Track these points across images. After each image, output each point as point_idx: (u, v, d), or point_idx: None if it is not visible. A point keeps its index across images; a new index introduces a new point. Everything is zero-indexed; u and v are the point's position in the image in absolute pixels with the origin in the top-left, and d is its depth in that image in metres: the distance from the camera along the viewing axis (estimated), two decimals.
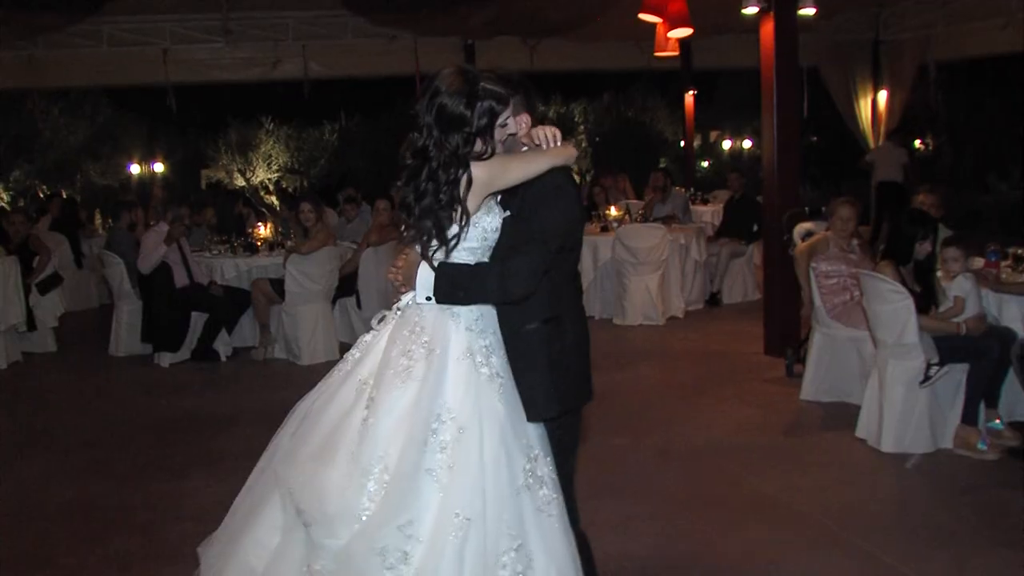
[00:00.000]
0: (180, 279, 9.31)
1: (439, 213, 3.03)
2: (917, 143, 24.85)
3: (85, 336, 10.86)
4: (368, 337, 3.22)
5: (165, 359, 9.30)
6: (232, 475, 5.97)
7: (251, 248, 10.11)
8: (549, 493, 2.97)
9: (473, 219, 3.05)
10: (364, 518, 2.84)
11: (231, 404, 7.88)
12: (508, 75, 3.19)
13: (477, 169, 3.02)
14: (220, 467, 6.21)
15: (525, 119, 3.24)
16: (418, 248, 3.12)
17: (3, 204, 21.83)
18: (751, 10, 8.60)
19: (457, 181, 3.00)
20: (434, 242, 3.07)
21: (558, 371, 3.14)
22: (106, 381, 9.03)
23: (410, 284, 3.14)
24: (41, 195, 23.31)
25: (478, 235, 3.09)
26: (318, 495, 2.90)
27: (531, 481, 2.94)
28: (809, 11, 8.87)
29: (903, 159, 15.41)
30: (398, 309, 3.19)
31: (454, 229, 3.05)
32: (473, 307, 3.11)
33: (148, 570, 4.73)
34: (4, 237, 10.01)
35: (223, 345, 9.46)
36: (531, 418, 3.04)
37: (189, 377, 8.88)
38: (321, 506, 2.89)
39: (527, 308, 3.12)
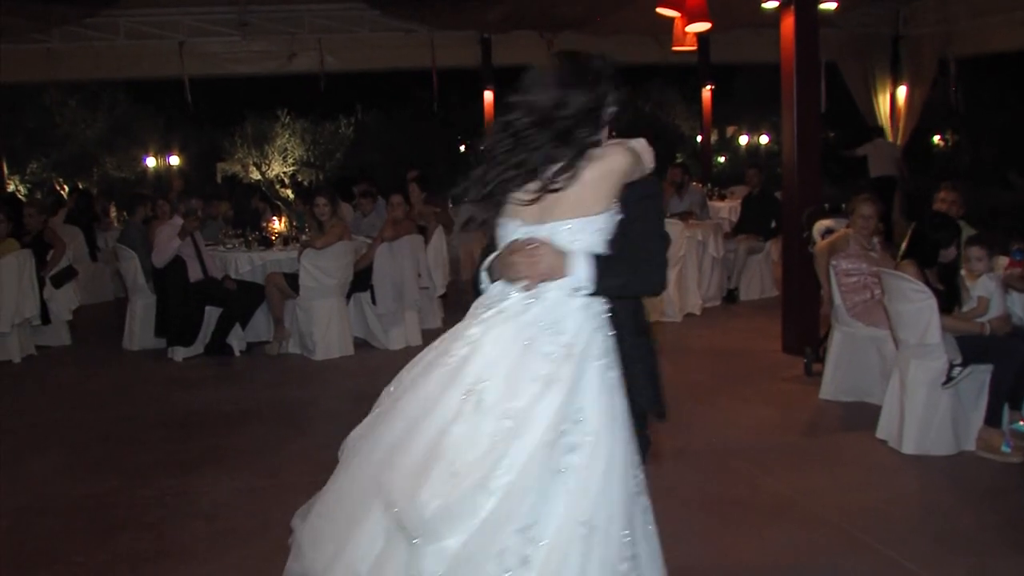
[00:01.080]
0: (194, 273, 9.28)
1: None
2: (936, 139, 24.72)
3: (99, 330, 10.83)
4: (475, 330, 2.86)
5: (179, 353, 9.26)
6: (244, 471, 6.00)
7: (266, 242, 10.06)
8: (646, 500, 2.91)
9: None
10: (482, 517, 2.65)
11: (244, 399, 7.84)
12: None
13: (619, 155, 2.94)
14: (232, 464, 6.17)
15: None
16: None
17: (21, 196, 21.89)
18: (771, 4, 8.53)
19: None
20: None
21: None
22: (119, 375, 8.99)
23: (556, 274, 2.87)
24: (58, 188, 23.40)
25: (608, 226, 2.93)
26: (421, 512, 2.67)
27: (638, 488, 2.86)
28: (830, 5, 8.81)
29: (896, 154, 15.68)
30: (525, 300, 2.89)
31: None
32: (605, 304, 2.93)
33: (159, 569, 4.67)
34: (19, 229, 9.98)
35: (237, 340, 9.41)
36: (640, 426, 2.94)
37: (202, 372, 8.84)
38: (426, 523, 2.67)
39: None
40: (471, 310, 2.97)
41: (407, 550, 2.69)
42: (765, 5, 8.60)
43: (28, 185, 24.53)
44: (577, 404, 2.73)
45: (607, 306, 2.92)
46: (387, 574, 2.72)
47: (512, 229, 2.93)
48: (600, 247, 2.89)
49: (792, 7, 8.32)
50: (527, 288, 2.88)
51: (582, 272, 2.83)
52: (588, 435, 2.72)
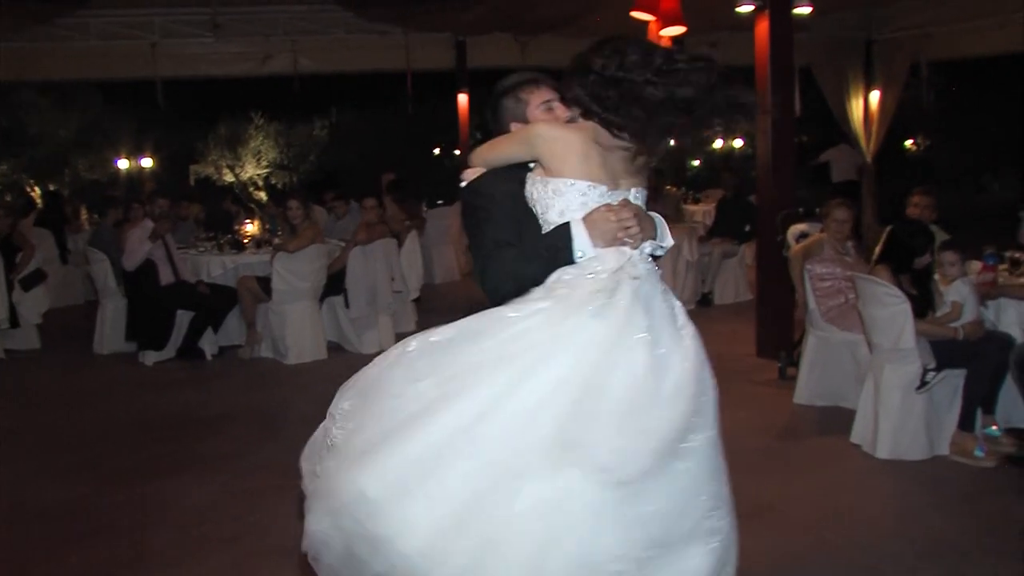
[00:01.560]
0: (165, 276, 9.21)
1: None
2: (909, 143, 24.85)
3: (70, 333, 10.71)
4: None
5: (150, 357, 9.18)
6: (218, 476, 5.94)
7: (238, 245, 9.99)
8: None
9: None
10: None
11: (216, 403, 7.77)
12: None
13: None
14: (206, 468, 6.12)
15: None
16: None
17: None
18: (746, 8, 8.52)
19: None
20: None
21: None
22: (90, 380, 8.90)
23: (648, 234, 2.96)
24: (28, 190, 23.16)
25: None
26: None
27: None
28: (804, 10, 8.81)
29: (859, 160, 15.97)
30: (633, 274, 2.85)
31: None
32: None
33: None
34: None
35: (209, 343, 9.34)
36: None
37: (174, 376, 8.76)
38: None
39: None
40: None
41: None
42: (739, 9, 8.59)
43: None
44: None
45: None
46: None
47: (599, 191, 2.91)
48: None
49: (766, 11, 8.34)
50: (632, 247, 2.89)
51: (666, 235, 3.05)
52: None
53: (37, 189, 23.19)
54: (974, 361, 5.85)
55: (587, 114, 2.93)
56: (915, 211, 7.43)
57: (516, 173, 3.08)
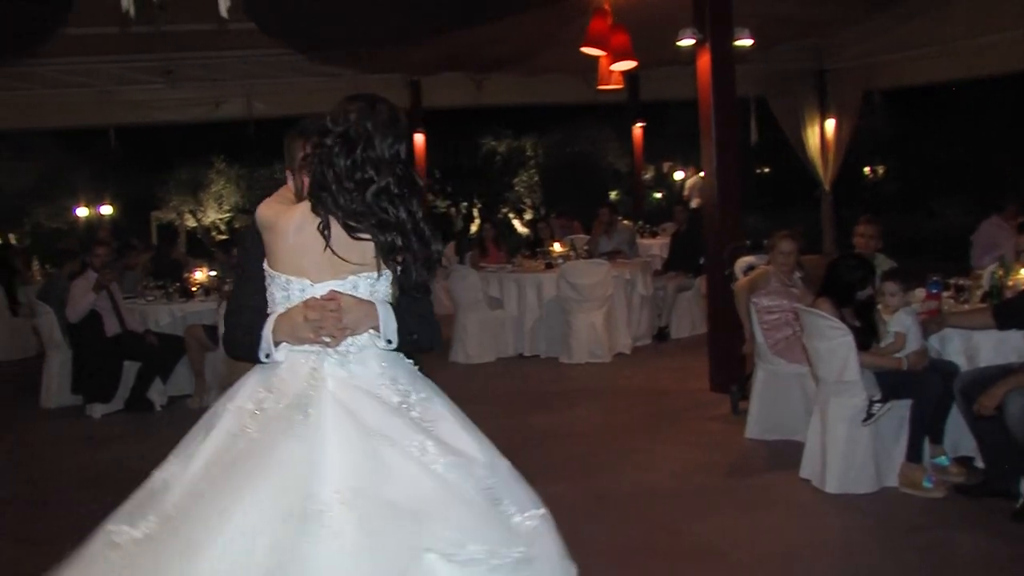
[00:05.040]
0: (111, 327, 9.04)
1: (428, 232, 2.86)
2: (867, 170, 25.02)
3: (17, 387, 10.51)
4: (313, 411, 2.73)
5: (97, 410, 8.99)
6: None
7: (187, 294, 9.85)
8: None
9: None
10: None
11: (161, 456, 7.55)
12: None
13: None
14: None
15: None
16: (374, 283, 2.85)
17: None
18: (687, 42, 8.53)
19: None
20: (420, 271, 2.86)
21: None
22: (32, 435, 8.72)
23: (360, 328, 2.84)
24: None
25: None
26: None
27: None
28: (746, 42, 8.80)
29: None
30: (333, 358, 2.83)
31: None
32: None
33: None
34: None
35: (158, 394, 9.17)
36: None
37: (121, 429, 8.58)
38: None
39: None
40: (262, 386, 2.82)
41: None
42: (680, 43, 8.60)
43: None
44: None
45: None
46: None
47: (300, 286, 2.84)
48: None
49: (707, 45, 8.35)
50: (329, 346, 2.81)
51: (391, 324, 2.84)
52: None
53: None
54: (919, 391, 5.80)
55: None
56: (860, 241, 7.42)
57: None
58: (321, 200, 2.77)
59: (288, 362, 2.83)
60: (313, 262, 2.80)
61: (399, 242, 2.78)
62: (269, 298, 2.90)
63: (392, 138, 2.81)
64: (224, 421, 2.78)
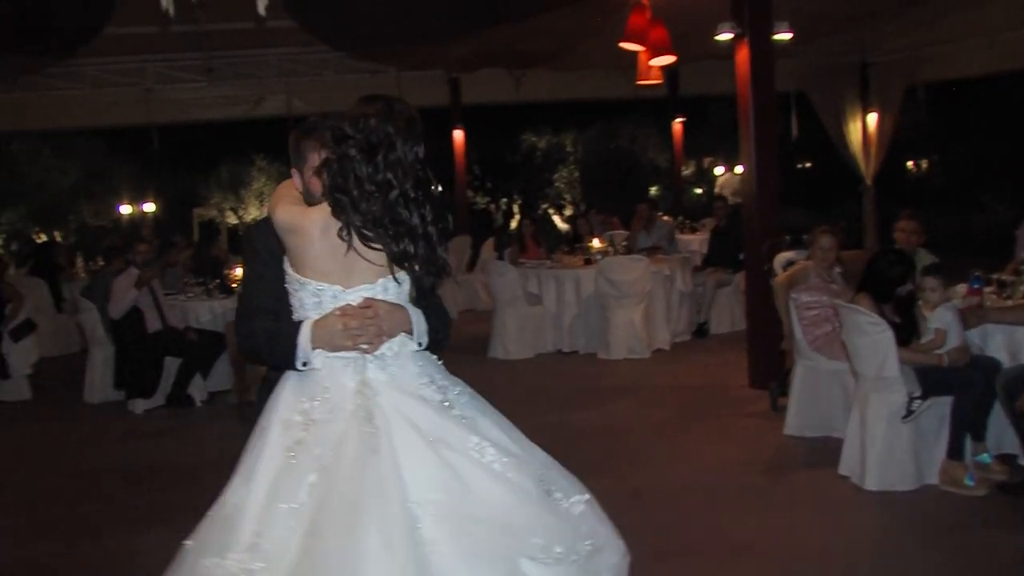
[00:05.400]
0: (152, 324, 9.13)
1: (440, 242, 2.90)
2: (910, 165, 24.74)
3: (62, 383, 10.64)
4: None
5: (139, 405, 9.09)
6: (190, 528, 5.81)
7: (227, 290, 9.92)
8: None
9: None
10: None
11: (202, 451, 7.68)
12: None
13: None
14: (183, 519, 5.91)
15: None
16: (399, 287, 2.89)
17: None
18: (725, 36, 8.47)
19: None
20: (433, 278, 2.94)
21: None
22: (77, 430, 8.83)
23: (396, 332, 2.88)
24: (35, 238, 23.27)
25: None
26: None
27: None
28: (785, 36, 8.72)
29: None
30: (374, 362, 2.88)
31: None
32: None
33: None
34: None
35: (198, 390, 9.25)
36: None
37: (162, 424, 8.68)
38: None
39: None
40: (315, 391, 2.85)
41: None
42: (718, 38, 8.55)
43: (3, 235, 24.38)
44: None
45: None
46: None
47: (332, 292, 2.85)
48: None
49: (746, 39, 8.29)
50: (366, 352, 2.84)
51: (422, 325, 2.91)
52: None
53: (43, 236, 23.28)
54: (960, 388, 5.73)
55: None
56: (901, 236, 7.33)
57: None
58: (340, 204, 2.77)
59: (326, 368, 2.85)
60: (341, 266, 2.82)
61: (410, 250, 2.80)
62: (297, 303, 2.90)
63: (412, 140, 2.82)
64: (273, 436, 2.80)
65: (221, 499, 2.84)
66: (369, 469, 2.63)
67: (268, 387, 3.13)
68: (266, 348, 2.97)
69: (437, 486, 2.64)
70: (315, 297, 2.85)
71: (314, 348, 2.83)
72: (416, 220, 2.80)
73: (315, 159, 2.94)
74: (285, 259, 2.94)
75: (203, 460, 7.35)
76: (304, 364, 2.85)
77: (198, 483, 6.66)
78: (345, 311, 2.81)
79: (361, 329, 2.80)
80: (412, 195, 2.80)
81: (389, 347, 2.87)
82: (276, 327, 2.95)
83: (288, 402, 2.83)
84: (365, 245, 2.79)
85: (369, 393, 2.78)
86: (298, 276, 2.86)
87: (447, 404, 2.84)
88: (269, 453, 2.76)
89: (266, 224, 3.07)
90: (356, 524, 2.56)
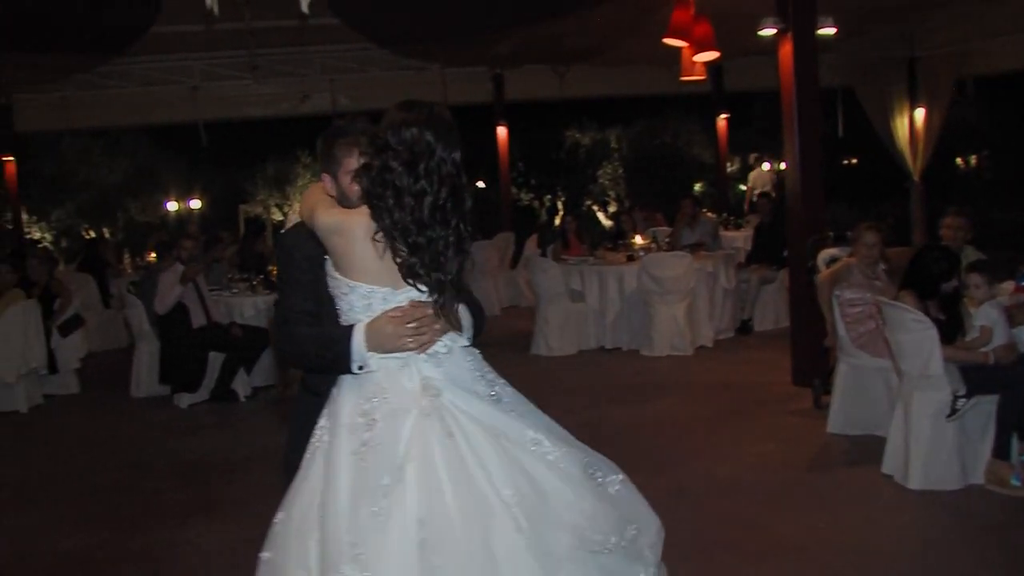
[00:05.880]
0: (197, 319, 9.22)
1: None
2: (959, 160, 24.43)
3: (109, 377, 10.76)
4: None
5: (184, 400, 9.19)
6: (235, 521, 5.88)
7: (271, 285, 10.01)
8: None
9: None
10: None
11: (243, 446, 7.76)
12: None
13: None
14: (224, 513, 6.09)
15: None
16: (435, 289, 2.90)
17: (47, 243, 22.07)
18: (768, 32, 8.40)
19: None
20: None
21: None
22: (123, 424, 8.95)
23: (444, 332, 2.90)
24: (84, 234, 23.61)
25: None
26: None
27: None
28: (829, 30, 8.63)
29: (772, 178, 18.01)
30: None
31: None
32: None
33: None
34: (27, 282, 9.99)
35: (242, 385, 9.34)
36: None
37: (205, 418, 8.78)
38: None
39: None
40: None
41: None
42: (761, 33, 8.47)
43: (53, 232, 24.73)
44: None
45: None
46: None
47: (382, 295, 2.86)
48: None
49: (789, 34, 8.22)
50: (418, 352, 2.86)
51: (467, 320, 2.96)
52: None
53: (92, 233, 23.60)
54: (1006, 386, 5.65)
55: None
56: (947, 233, 7.25)
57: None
58: (378, 211, 2.79)
59: (383, 370, 2.85)
60: (389, 268, 2.83)
61: (419, 270, 2.82)
62: (346, 307, 2.91)
63: (451, 147, 2.82)
64: (341, 441, 2.78)
65: (286, 507, 2.85)
66: (459, 471, 2.68)
67: (308, 388, 3.17)
68: (314, 353, 2.97)
69: (509, 482, 2.69)
70: (365, 300, 2.86)
71: (368, 351, 2.85)
72: (441, 233, 2.82)
73: (350, 163, 2.97)
74: (328, 263, 2.95)
75: (246, 455, 7.46)
76: (360, 368, 2.85)
77: (241, 478, 6.81)
78: (403, 312, 2.83)
79: (421, 329, 2.82)
80: (449, 205, 2.82)
81: (442, 344, 2.89)
82: (324, 332, 2.97)
83: (349, 406, 2.83)
84: (394, 250, 2.81)
85: (433, 392, 2.80)
86: (346, 280, 2.87)
87: (494, 396, 2.90)
88: (340, 459, 2.75)
89: (299, 229, 3.09)
90: (472, 533, 2.63)
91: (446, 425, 2.72)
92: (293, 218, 3.19)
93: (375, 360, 2.84)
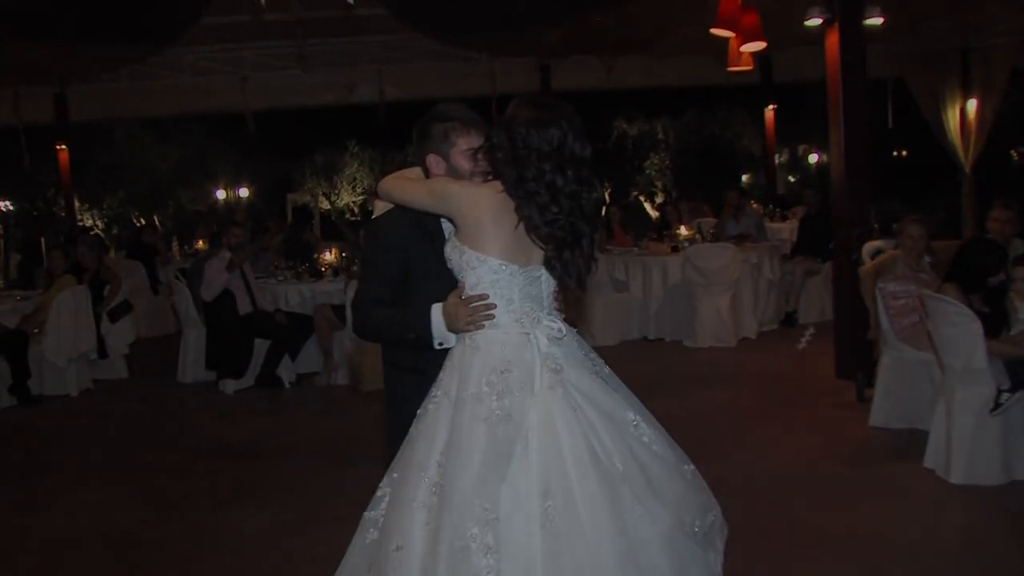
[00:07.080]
0: (243, 306, 9.33)
1: None
2: (1013, 153, 24.07)
3: (157, 363, 10.91)
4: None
5: (230, 386, 9.31)
6: (276, 505, 5.97)
7: (317, 274, 10.10)
8: None
9: None
10: None
11: (288, 432, 7.86)
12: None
13: None
14: (266, 497, 6.17)
15: None
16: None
17: (98, 231, 22.38)
18: (814, 22, 8.33)
19: None
20: None
21: None
22: (170, 408, 9.10)
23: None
24: (135, 222, 23.92)
25: None
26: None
27: None
28: (876, 20, 8.55)
29: None
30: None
31: None
32: None
33: None
34: (78, 268, 10.15)
35: (287, 371, 9.44)
36: None
37: (251, 404, 8.89)
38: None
39: None
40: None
41: None
42: (807, 23, 8.40)
43: (105, 220, 25.08)
44: None
45: None
46: None
47: (509, 271, 2.98)
48: None
49: (836, 24, 8.15)
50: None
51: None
52: None
53: (143, 221, 23.91)
54: None
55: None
56: (995, 226, 7.15)
57: (422, 223, 3.17)
58: (529, 201, 2.92)
59: (510, 344, 2.96)
60: (519, 245, 2.96)
61: (563, 260, 2.98)
62: (473, 280, 3.00)
63: (583, 144, 2.99)
64: (467, 409, 2.86)
65: (399, 464, 2.99)
66: (581, 443, 2.82)
67: (395, 364, 3.32)
68: (396, 334, 3.17)
69: (619, 458, 2.85)
70: (494, 275, 2.97)
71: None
72: (584, 228, 2.98)
73: (465, 143, 3.13)
74: (452, 238, 3.06)
75: (290, 441, 7.55)
76: (439, 344, 3.04)
77: (285, 463, 6.89)
78: (458, 298, 2.99)
79: (481, 311, 2.96)
80: (592, 202, 3.01)
81: (559, 327, 3.05)
82: (397, 314, 3.14)
83: (475, 376, 2.92)
84: (530, 236, 2.94)
85: (556, 367, 2.93)
86: (477, 253, 2.97)
87: (601, 376, 3.08)
88: (467, 425, 2.84)
89: (392, 215, 3.21)
90: (594, 504, 2.75)
91: (571, 399, 2.86)
92: (381, 206, 3.27)
93: (501, 332, 2.96)
